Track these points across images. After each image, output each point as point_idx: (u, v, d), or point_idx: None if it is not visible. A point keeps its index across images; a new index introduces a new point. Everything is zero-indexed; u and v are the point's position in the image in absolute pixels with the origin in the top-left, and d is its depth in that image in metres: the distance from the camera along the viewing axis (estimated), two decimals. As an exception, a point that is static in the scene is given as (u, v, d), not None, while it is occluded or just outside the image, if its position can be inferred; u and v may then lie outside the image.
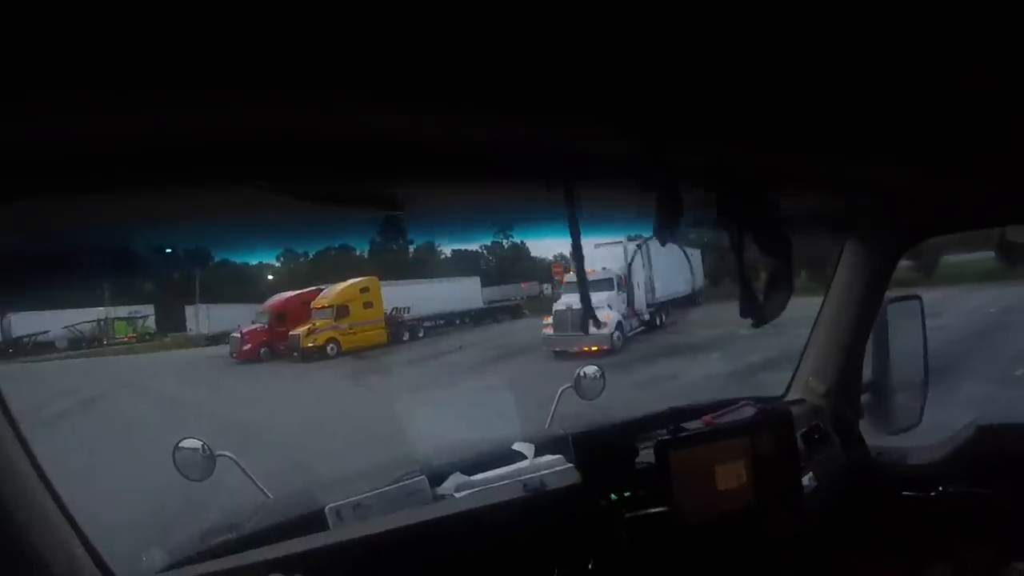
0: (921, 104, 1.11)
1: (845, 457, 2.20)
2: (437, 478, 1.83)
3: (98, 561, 1.33)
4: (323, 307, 16.52)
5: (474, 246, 25.61)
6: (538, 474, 1.82)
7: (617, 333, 13.30)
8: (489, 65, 0.77)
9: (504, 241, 22.02)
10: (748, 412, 2.03)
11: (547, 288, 23.07)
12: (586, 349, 11.95)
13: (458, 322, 19.53)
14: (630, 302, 14.50)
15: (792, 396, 2.41)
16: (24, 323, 18.49)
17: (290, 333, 16.03)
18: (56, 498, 1.30)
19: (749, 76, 0.90)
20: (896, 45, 0.85)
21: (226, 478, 2.04)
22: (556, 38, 0.72)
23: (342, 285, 17.05)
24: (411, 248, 21.11)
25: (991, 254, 15.71)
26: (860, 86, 0.99)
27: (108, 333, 20.52)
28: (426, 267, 22.35)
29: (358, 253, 17.38)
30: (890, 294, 2.24)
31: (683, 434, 1.79)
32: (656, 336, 14.47)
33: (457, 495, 1.76)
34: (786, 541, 1.98)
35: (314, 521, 1.62)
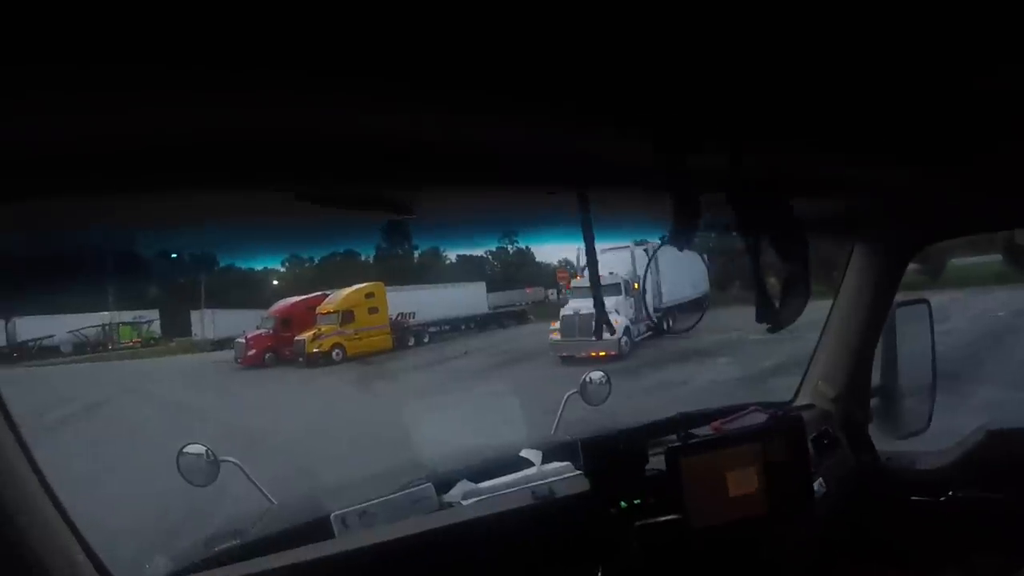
0: (931, 107, 1.10)
1: (855, 462, 2.19)
2: (444, 485, 1.82)
3: (99, 567, 1.32)
4: (328, 312, 16.53)
5: (479, 251, 25.67)
6: (546, 481, 1.80)
7: (625, 338, 13.25)
8: (499, 67, 0.76)
9: (509, 246, 22.04)
10: (758, 418, 2.01)
11: (552, 293, 23.08)
12: (594, 354, 11.89)
13: (463, 327, 19.51)
14: (638, 307, 14.45)
15: (801, 401, 2.39)
16: (29, 327, 18.55)
17: (295, 338, 16.05)
18: (56, 503, 1.28)
19: (761, 80, 0.89)
20: (905, 48, 0.84)
21: (231, 484, 2.03)
22: (569, 39, 0.71)
23: (347, 290, 17.06)
24: (416, 253, 21.17)
25: (998, 257, 15.67)
26: (869, 90, 0.98)
27: (113, 338, 20.57)
28: (431, 272, 22.36)
29: (363, 258, 17.46)
30: (898, 298, 2.22)
31: (693, 440, 1.78)
32: (664, 341, 14.41)
33: (464, 503, 1.74)
34: (797, 548, 1.96)
35: (319, 528, 1.61)
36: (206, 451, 1.93)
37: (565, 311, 13.17)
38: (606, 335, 1.52)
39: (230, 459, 1.99)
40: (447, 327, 18.98)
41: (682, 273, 14.90)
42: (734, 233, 1.17)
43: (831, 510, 1.98)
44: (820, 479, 1.93)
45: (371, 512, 1.67)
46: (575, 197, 1.18)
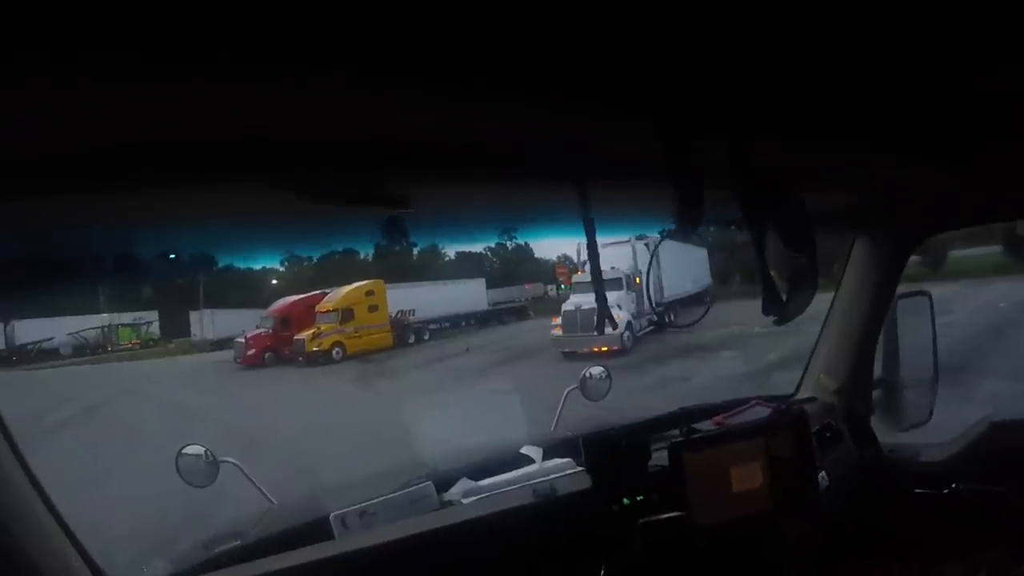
0: (932, 102, 1.10)
1: (857, 455, 2.18)
2: (444, 484, 1.80)
3: (96, 571, 1.31)
4: (328, 311, 16.51)
5: (478, 248, 25.66)
6: (547, 478, 1.78)
7: (627, 333, 13.25)
8: (498, 57, 0.74)
9: (508, 243, 22.05)
10: (760, 412, 2.00)
11: (551, 289, 23.11)
12: (596, 350, 11.87)
13: (464, 324, 19.51)
14: (639, 302, 14.45)
15: (803, 394, 2.38)
16: (28, 330, 18.54)
17: (295, 337, 16.04)
18: (52, 508, 1.27)
19: (765, 72, 0.88)
20: (908, 44, 0.84)
21: (231, 485, 2.02)
22: (570, 29, 0.69)
23: (347, 288, 17.05)
24: (415, 251, 21.16)
25: (998, 248, 15.69)
26: (872, 84, 0.98)
27: (112, 339, 20.56)
28: (430, 270, 22.37)
29: (362, 256, 17.44)
30: (899, 290, 2.21)
31: (697, 436, 1.75)
32: (666, 336, 14.41)
33: (464, 501, 1.73)
34: (802, 542, 1.95)
35: (319, 529, 1.59)
36: (205, 452, 1.93)
37: (567, 306, 13.15)
38: (608, 330, 1.50)
39: (229, 460, 1.98)
40: (447, 324, 18.97)
41: (683, 267, 14.92)
42: (739, 226, 1.16)
43: (834, 503, 1.96)
44: (823, 472, 1.92)
45: (371, 512, 1.65)
46: (575, 191, 1.16)
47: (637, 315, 14.23)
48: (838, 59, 0.86)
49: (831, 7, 0.71)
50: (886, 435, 2.26)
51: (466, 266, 23.76)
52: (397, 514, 1.66)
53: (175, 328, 20.82)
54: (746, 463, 1.71)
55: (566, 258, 19.92)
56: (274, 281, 22.25)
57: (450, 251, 23.80)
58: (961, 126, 1.27)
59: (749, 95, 0.97)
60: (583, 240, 1.23)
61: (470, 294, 20.38)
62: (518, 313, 21.79)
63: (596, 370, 2.44)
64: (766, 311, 1.17)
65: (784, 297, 1.17)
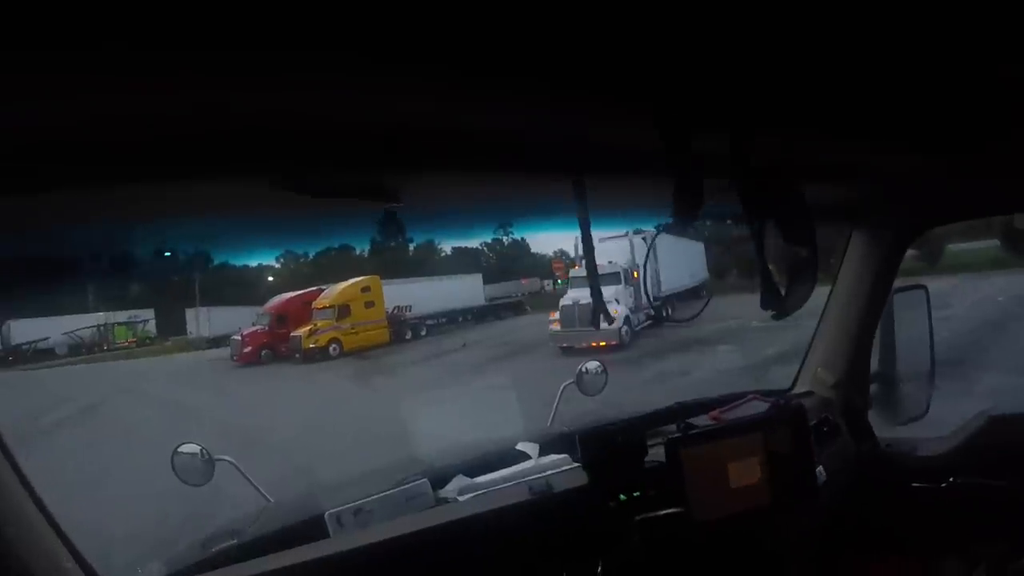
0: (930, 94, 1.10)
1: (855, 449, 2.18)
2: (440, 480, 1.80)
3: (90, 573, 1.30)
4: (324, 307, 16.45)
5: (475, 243, 25.59)
6: (543, 475, 1.78)
7: (625, 328, 13.24)
8: (495, 47, 0.73)
9: (504, 238, 22.01)
10: (757, 406, 1.99)
11: (548, 284, 23.07)
12: (595, 344, 11.87)
13: (460, 320, 19.47)
14: (637, 296, 14.44)
15: (800, 388, 2.38)
16: (24, 330, 18.43)
17: (291, 334, 15.98)
18: (43, 509, 1.26)
19: (765, 65, 0.88)
20: (907, 36, 0.83)
21: (228, 483, 2.01)
22: (568, 18, 0.68)
23: (343, 285, 16.97)
24: (411, 246, 21.10)
25: (995, 242, 15.71)
26: (870, 76, 0.97)
27: (108, 338, 20.45)
28: (427, 265, 22.31)
29: (358, 252, 17.35)
30: (896, 284, 2.21)
31: (694, 431, 1.75)
32: (664, 330, 14.41)
33: (460, 498, 1.72)
34: (800, 537, 1.95)
35: (315, 527, 1.59)
36: (201, 450, 1.91)
37: (564, 301, 13.14)
38: (605, 325, 1.50)
39: (225, 458, 1.97)
40: (444, 320, 18.92)
41: (681, 261, 14.93)
42: (738, 219, 1.16)
43: (832, 498, 1.96)
44: (821, 467, 1.91)
45: (366, 510, 1.64)
46: (572, 185, 1.15)
47: (635, 309, 14.23)
48: (837, 52, 0.85)
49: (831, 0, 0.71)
50: (883, 429, 2.26)
51: (462, 261, 23.69)
52: (393, 512, 1.65)
53: (171, 326, 20.74)
54: (744, 458, 1.71)
55: (562, 253, 19.89)
56: (270, 278, 22.16)
57: (446, 247, 23.76)
58: (959, 119, 1.27)
59: (749, 88, 0.96)
60: (580, 233, 1.22)
61: (467, 289, 20.34)
62: (515, 308, 21.75)
63: (592, 365, 2.44)
64: (765, 305, 1.16)
65: (783, 291, 1.17)
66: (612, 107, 0.98)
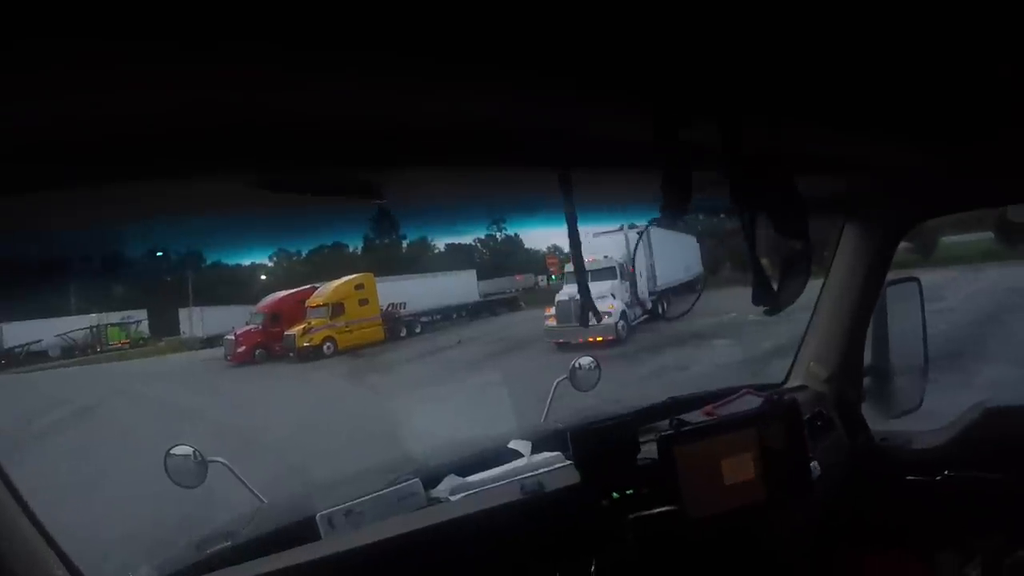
0: (924, 86, 1.09)
1: (849, 443, 2.17)
2: (432, 480, 1.79)
3: None
4: (318, 306, 16.40)
5: (468, 239, 25.55)
6: (536, 473, 1.77)
7: (622, 323, 13.21)
8: (478, 38, 0.71)
9: (498, 234, 21.99)
10: (751, 401, 1.99)
11: (542, 280, 23.07)
12: (591, 340, 11.82)
13: (455, 316, 19.44)
14: (633, 290, 14.44)
15: (793, 382, 2.38)
16: (16, 333, 18.32)
17: (285, 333, 15.92)
18: (30, 514, 1.25)
19: (757, 55, 0.86)
20: (901, 28, 0.82)
21: (225, 485, 2.00)
22: (556, 8, 0.67)
23: (336, 283, 16.92)
24: (404, 243, 21.07)
25: (988, 235, 15.77)
26: (864, 67, 0.96)
27: (101, 340, 20.34)
28: (420, 262, 22.28)
29: (352, 250, 17.32)
30: (888, 276, 2.21)
31: (687, 427, 1.74)
32: (660, 324, 14.40)
33: (452, 498, 1.71)
34: (795, 533, 1.94)
35: (308, 528, 1.58)
36: (193, 452, 1.91)
37: (560, 296, 13.10)
38: (598, 322, 1.48)
39: (218, 459, 1.96)
40: (439, 316, 18.90)
41: (675, 255, 14.94)
42: (730, 211, 1.14)
43: (827, 492, 1.96)
44: (815, 462, 1.90)
45: (357, 511, 1.64)
46: (559, 178, 1.14)
47: (631, 304, 14.24)
48: (830, 43, 0.85)
49: None
50: (878, 423, 2.26)
51: (456, 258, 23.68)
52: (384, 512, 1.65)
53: (164, 326, 20.65)
54: (737, 454, 1.69)
55: (556, 249, 19.86)
56: (263, 277, 22.08)
57: (440, 243, 23.72)
58: (952, 112, 1.27)
59: (740, 79, 0.95)
60: (567, 229, 1.21)
61: (461, 286, 20.32)
62: (509, 304, 21.75)
63: (585, 360, 2.43)
64: (757, 300, 1.14)
65: (776, 285, 1.15)
66: (600, 98, 0.97)
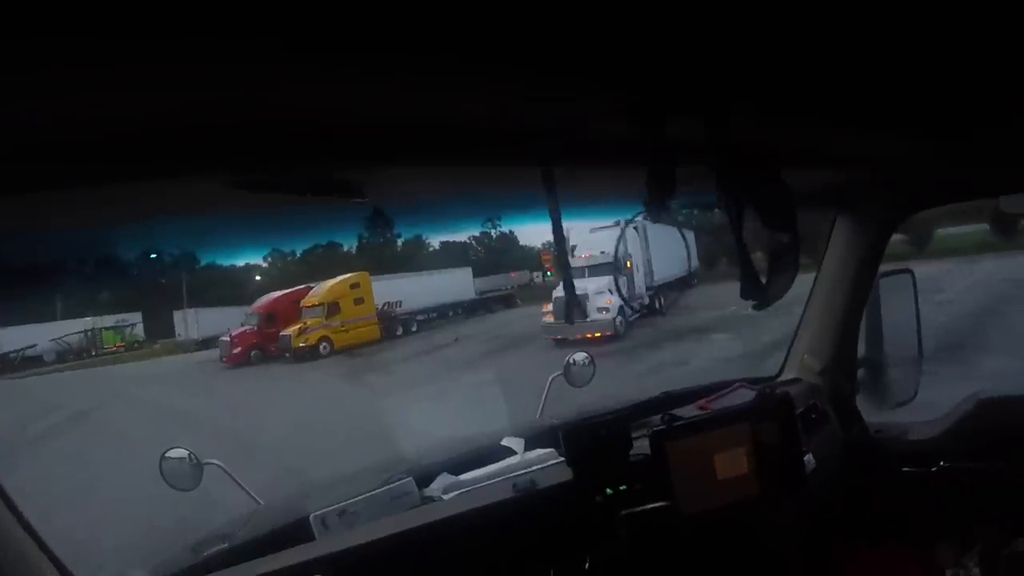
0: (914, 78, 1.08)
1: (844, 435, 2.17)
2: (426, 479, 1.78)
3: None
4: (313, 305, 16.37)
5: (462, 237, 25.53)
6: (529, 471, 1.77)
7: (620, 318, 13.17)
8: (464, 33, 0.70)
9: (493, 231, 22.00)
10: (744, 395, 1.99)
11: (537, 276, 23.10)
12: (589, 336, 11.81)
13: (451, 314, 19.44)
14: (631, 286, 14.42)
15: (787, 375, 2.38)
16: (10, 338, 18.23)
17: (281, 334, 15.90)
18: (24, 522, 1.25)
19: (743, 47, 0.85)
20: (891, 18, 0.82)
21: (219, 487, 2.00)
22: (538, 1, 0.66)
23: (331, 282, 16.89)
24: (399, 241, 21.06)
25: (983, 226, 15.85)
26: (851, 58, 0.95)
27: (96, 343, 20.29)
28: (415, 260, 22.28)
29: (346, 249, 17.29)
30: (881, 268, 2.21)
31: (679, 423, 1.72)
32: (657, 319, 14.40)
33: (445, 497, 1.71)
34: (789, 527, 1.94)
35: (302, 529, 1.57)
36: (188, 455, 1.90)
37: (557, 292, 13.07)
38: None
39: (214, 461, 1.95)
40: (435, 315, 18.88)
41: (672, 250, 14.94)
42: (716, 206, 1.13)
43: (822, 485, 1.96)
44: (810, 455, 1.90)
45: (351, 511, 1.63)
46: (543, 174, 1.13)
47: (629, 299, 14.22)
48: (818, 33, 0.83)
49: None
50: (872, 415, 2.26)
51: (451, 255, 23.69)
52: (378, 512, 1.64)
53: (159, 329, 20.62)
54: (730, 449, 1.68)
55: (551, 245, 19.87)
56: (257, 277, 22.07)
57: (435, 241, 23.72)
58: (942, 104, 1.26)
59: (725, 71, 0.94)
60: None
61: (457, 283, 20.31)
62: (506, 301, 21.75)
63: (579, 356, 2.43)
64: (745, 295, 1.14)
65: (764, 279, 1.15)
66: (584, 93, 0.96)
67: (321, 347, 15.68)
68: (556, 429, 1.83)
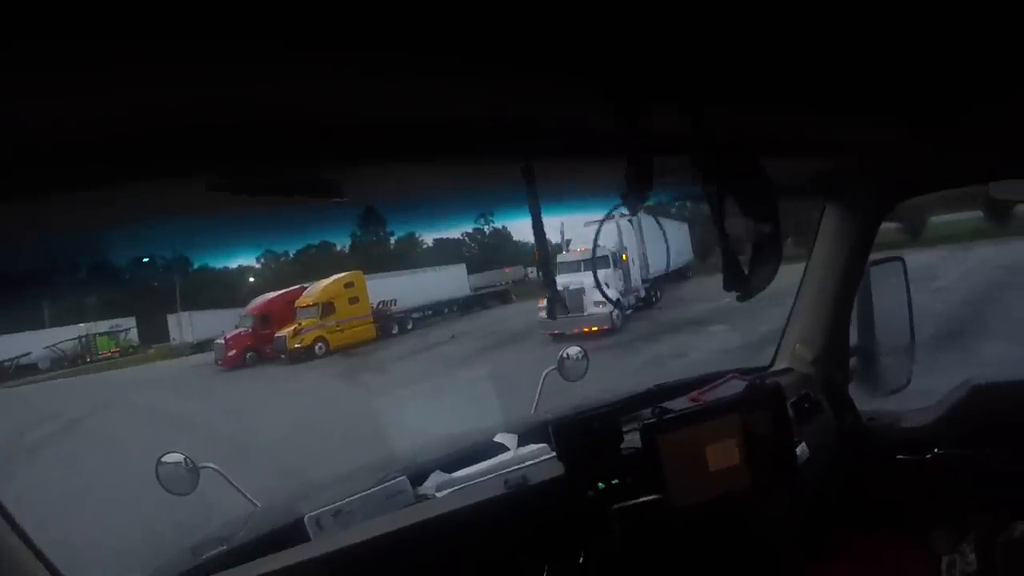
0: (900, 64, 1.08)
1: (837, 424, 2.18)
2: (419, 477, 1.78)
3: None
4: (308, 306, 16.32)
5: (456, 233, 25.51)
6: (521, 467, 1.76)
7: (616, 312, 13.20)
8: (442, 29, 0.69)
9: (485, 227, 21.96)
10: (737, 386, 1.99)
11: (531, 272, 23.07)
12: (587, 330, 11.78)
13: (447, 311, 19.42)
14: (627, 279, 14.41)
15: (779, 365, 2.38)
16: (4, 346, 18.12)
17: (276, 335, 15.84)
18: (19, 529, 1.24)
19: (724, 34, 0.84)
20: (871, 5, 0.81)
21: (216, 490, 2.00)
22: None
23: (326, 282, 16.84)
24: (392, 239, 21.01)
25: (976, 213, 15.87)
26: (837, 46, 0.95)
27: (91, 349, 20.17)
28: (409, 258, 22.22)
29: (339, 248, 17.21)
30: (872, 256, 2.22)
31: (670, 415, 1.72)
32: (655, 312, 14.40)
33: (438, 494, 1.71)
34: (783, 517, 1.95)
35: (299, 531, 1.57)
36: (184, 459, 1.90)
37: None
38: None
39: (210, 465, 1.95)
40: (430, 312, 18.86)
41: (667, 242, 14.92)
42: (698, 197, 1.13)
43: (816, 474, 1.96)
44: (803, 444, 1.91)
45: (346, 511, 1.63)
46: (523, 169, 1.13)
47: (625, 293, 14.22)
48: (800, 20, 0.83)
49: None
50: (865, 403, 2.27)
51: (445, 252, 23.67)
52: (373, 511, 1.64)
53: (153, 333, 20.50)
54: (721, 440, 1.68)
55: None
56: (251, 279, 21.97)
57: (428, 238, 23.68)
58: (928, 91, 1.26)
59: (704, 62, 0.93)
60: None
61: (451, 280, 20.27)
62: (501, 297, 21.74)
63: (573, 351, 2.43)
64: (727, 287, 1.13)
65: (746, 270, 1.14)
66: (563, 87, 0.95)
67: (317, 347, 15.65)
68: (549, 424, 1.83)
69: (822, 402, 2.18)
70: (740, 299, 1.15)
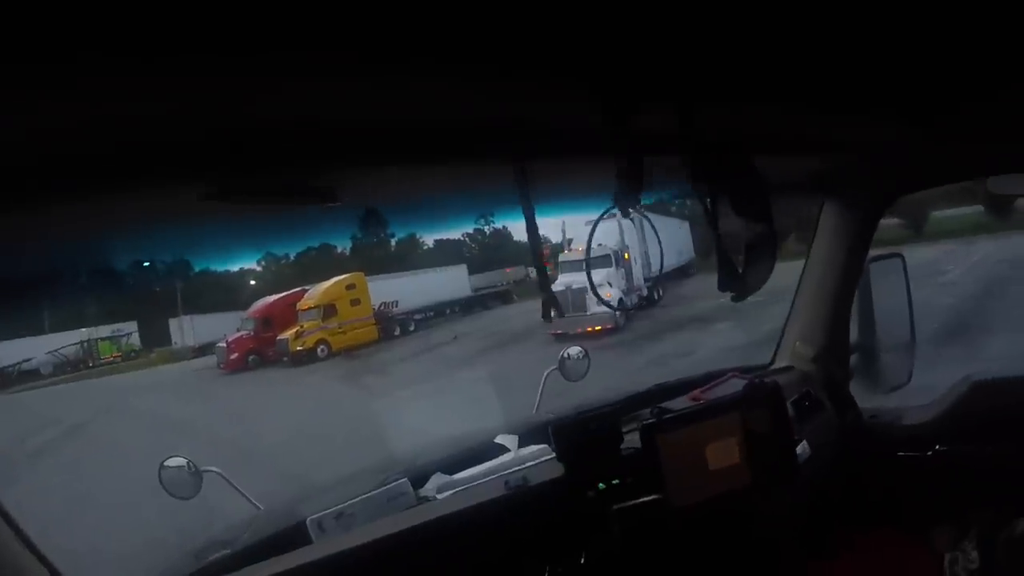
0: (895, 60, 1.08)
1: (838, 422, 2.17)
2: (421, 479, 1.78)
3: None
4: (309, 308, 16.30)
5: (456, 234, 25.48)
6: (522, 468, 1.76)
7: (619, 311, 13.17)
8: (432, 31, 0.69)
9: (485, 228, 21.97)
10: (737, 384, 1.98)
11: (532, 272, 23.04)
12: (590, 329, 11.71)
13: (448, 312, 19.39)
14: (629, 278, 14.38)
15: (780, 364, 2.38)
16: (6, 352, 18.12)
17: (278, 338, 15.83)
18: (26, 540, 1.25)
19: (718, 32, 0.84)
20: (868, 3, 0.81)
21: (219, 494, 2.00)
22: None
23: (327, 284, 16.82)
24: (393, 241, 21.01)
25: (978, 208, 15.85)
26: (831, 42, 0.95)
27: (93, 354, 20.15)
28: (410, 259, 22.21)
29: (340, 250, 17.19)
30: (872, 253, 2.22)
31: (669, 415, 1.72)
32: (658, 310, 14.36)
33: (439, 496, 1.71)
34: (784, 516, 1.94)
35: (301, 533, 1.58)
36: (187, 463, 1.90)
37: (556, 287, 12.98)
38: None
39: (212, 469, 1.96)
40: (432, 313, 18.83)
41: (668, 241, 14.90)
42: (693, 196, 1.13)
43: (817, 472, 1.95)
44: (804, 442, 1.90)
45: (348, 513, 1.63)
46: (515, 169, 1.13)
47: (627, 291, 14.18)
48: (798, 15, 0.83)
49: None
50: (866, 400, 2.26)
51: (446, 253, 23.65)
52: (374, 513, 1.64)
53: (155, 337, 20.49)
54: (721, 439, 1.67)
55: (545, 239, 19.83)
56: (252, 282, 21.97)
57: (429, 239, 23.66)
58: (925, 86, 1.26)
59: (695, 61, 0.93)
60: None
61: (452, 281, 20.24)
62: (502, 297, 21.70)
63: (574, 351, 2.43)
64: (722, 287, 1.13)
65: (741, 269, 1.14)
66: (555, 88, 0.95)
67: (319, 350, 15.63)
68: (550, 425, 1.83)
69: (823, 400, 2.18)
70: (735, 299, 1.14)
